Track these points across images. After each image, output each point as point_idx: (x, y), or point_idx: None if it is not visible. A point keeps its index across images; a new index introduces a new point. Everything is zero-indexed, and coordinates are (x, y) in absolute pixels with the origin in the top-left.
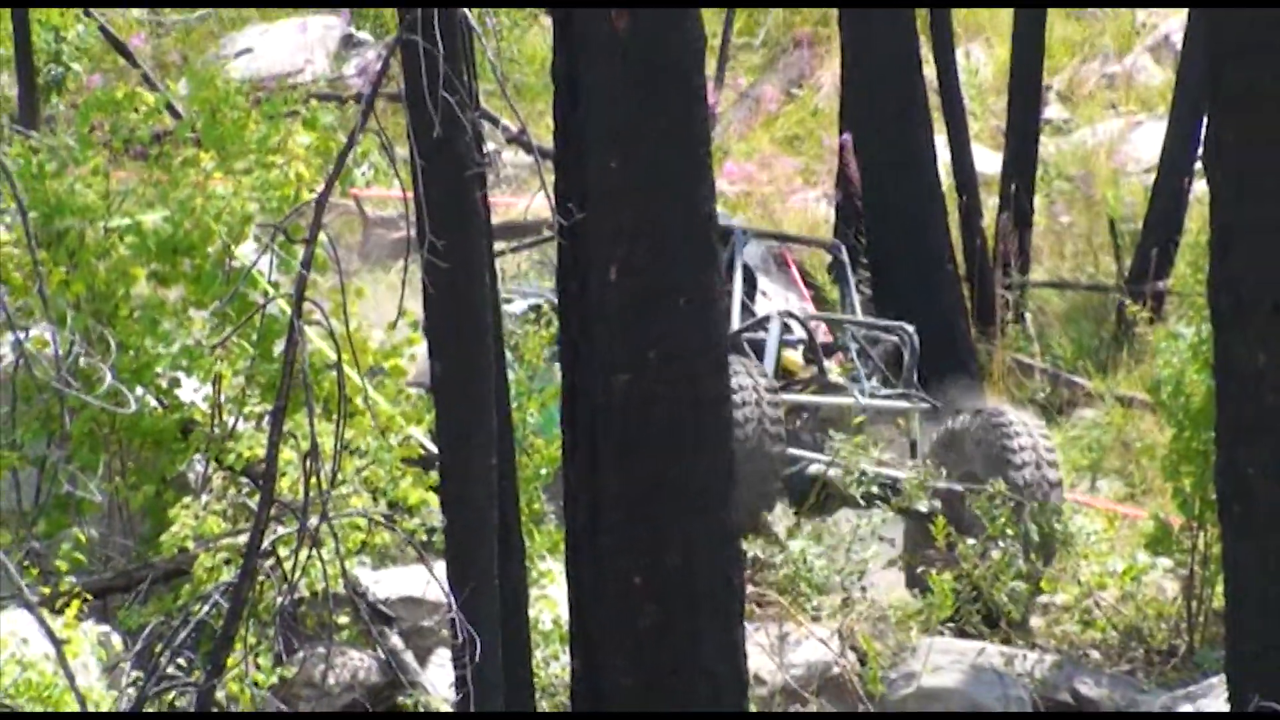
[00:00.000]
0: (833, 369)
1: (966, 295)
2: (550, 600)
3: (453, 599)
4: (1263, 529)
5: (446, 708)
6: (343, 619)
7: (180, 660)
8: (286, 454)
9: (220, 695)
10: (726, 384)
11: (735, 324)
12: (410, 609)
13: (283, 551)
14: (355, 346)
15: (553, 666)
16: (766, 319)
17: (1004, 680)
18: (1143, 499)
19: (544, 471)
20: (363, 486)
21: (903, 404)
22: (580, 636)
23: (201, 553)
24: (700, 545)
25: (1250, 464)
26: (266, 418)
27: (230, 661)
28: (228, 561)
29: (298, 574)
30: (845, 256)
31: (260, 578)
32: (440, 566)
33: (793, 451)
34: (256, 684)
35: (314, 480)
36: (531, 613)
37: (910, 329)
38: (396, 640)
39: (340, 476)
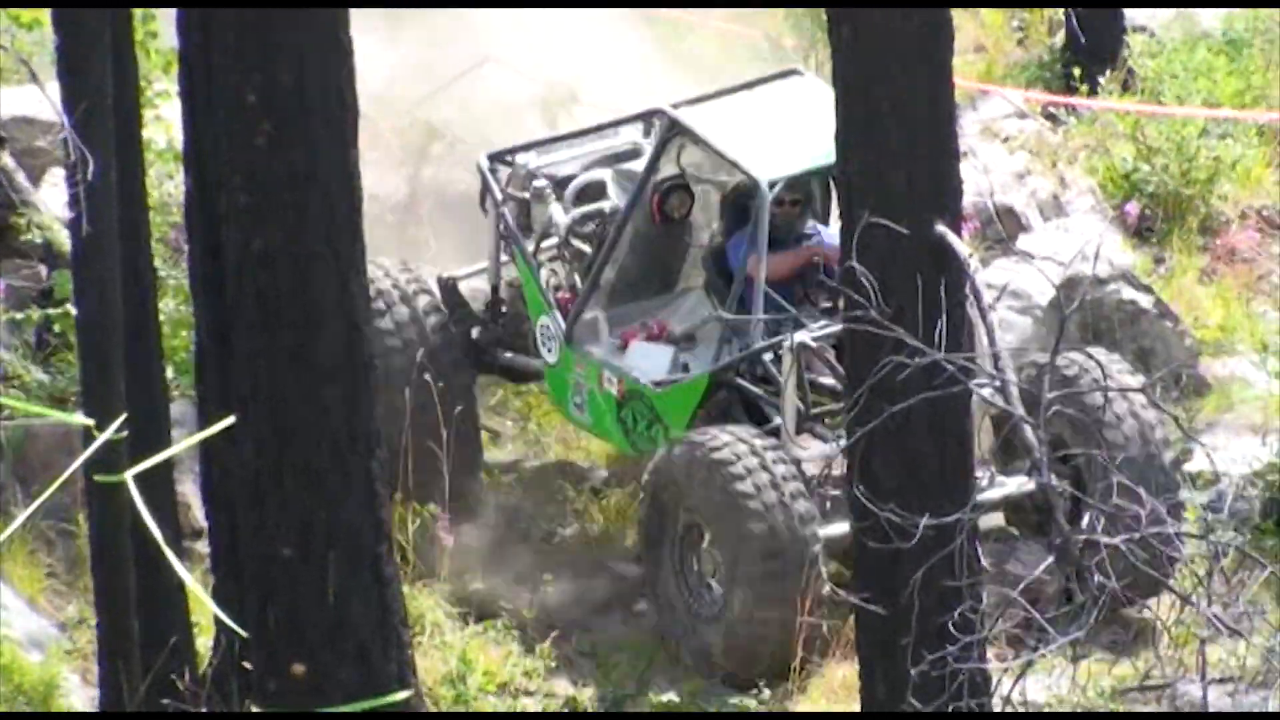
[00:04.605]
0: None
1: None
2: (165, 121)
3: (66, 118)
4: (866, 48)
5: (59, 227)
6: None
7: None
8: None
9: None
10: None
11: None
12: (24, 129)
13: None
14: None
15: (167, 185)
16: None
17: None
18: (753, 19)
19: None
20: None
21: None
22: (194, 155)
23: None
24: (312, 61)
25: None
26: None
27: None
28: None
29: None
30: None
31: None
32: (53, 86)
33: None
34: None
35: None
36: (146, 133)
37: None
38: (9, 160)
39: None
